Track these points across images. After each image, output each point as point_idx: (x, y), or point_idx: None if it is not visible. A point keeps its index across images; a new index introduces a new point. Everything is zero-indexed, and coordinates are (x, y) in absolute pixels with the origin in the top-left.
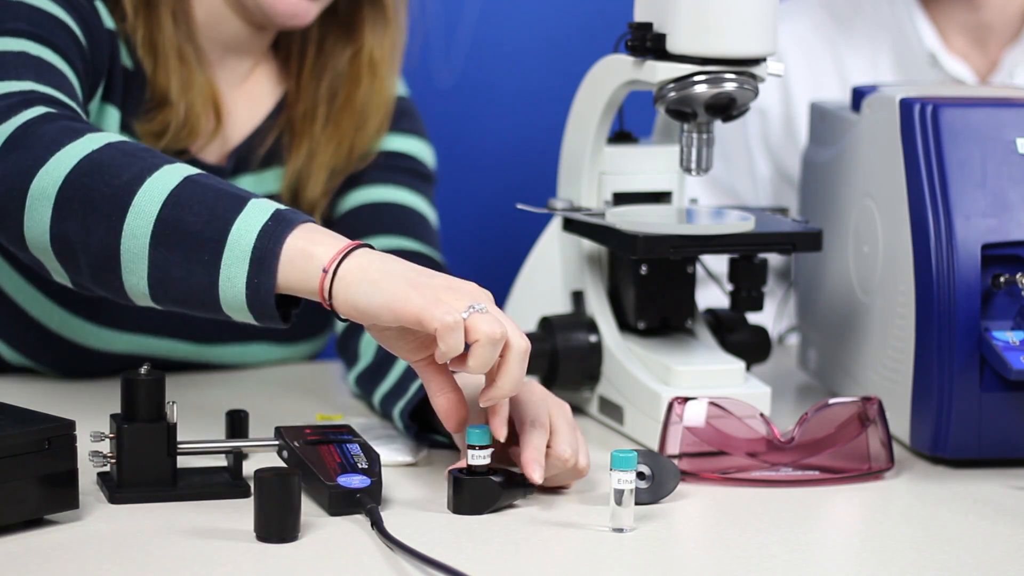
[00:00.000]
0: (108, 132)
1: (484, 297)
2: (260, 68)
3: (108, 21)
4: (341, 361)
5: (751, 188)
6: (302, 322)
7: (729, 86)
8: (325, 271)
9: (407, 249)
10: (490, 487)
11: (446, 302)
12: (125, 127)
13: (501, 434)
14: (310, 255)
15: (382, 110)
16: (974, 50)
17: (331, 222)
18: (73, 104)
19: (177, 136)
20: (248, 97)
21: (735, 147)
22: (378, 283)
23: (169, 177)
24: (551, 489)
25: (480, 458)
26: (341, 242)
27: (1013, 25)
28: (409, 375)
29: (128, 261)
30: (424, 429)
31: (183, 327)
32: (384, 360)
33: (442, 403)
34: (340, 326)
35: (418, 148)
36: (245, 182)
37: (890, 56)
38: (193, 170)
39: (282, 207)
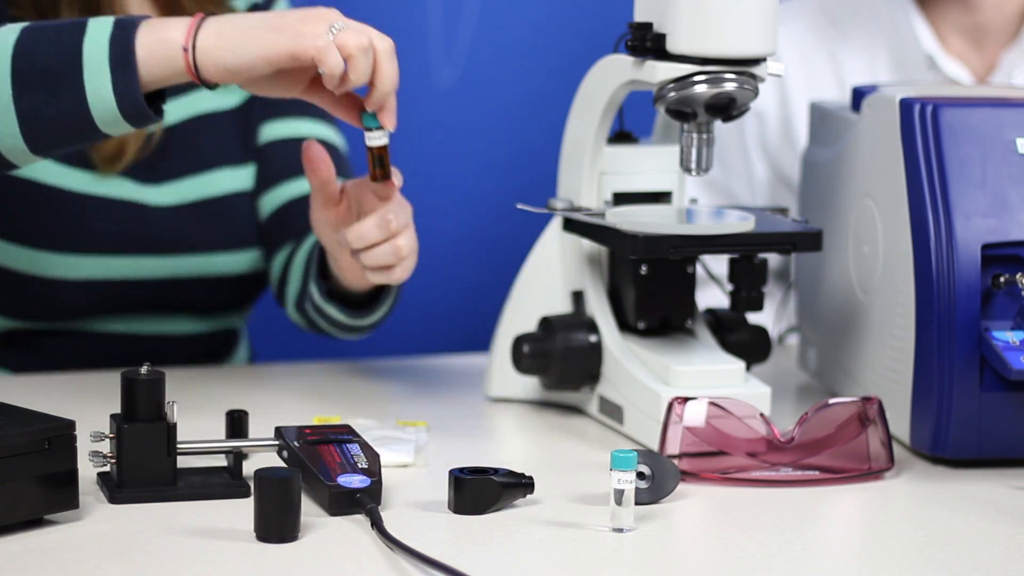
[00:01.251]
0: None
1: (336, 14)
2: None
3: None
4: (278, 302)
5: (748, 191)
6: (253, 226)
7: (729, 86)
8: (185, 49)
9: None
10: (490, 487)
11: (309, 32)
12: None
13: (391, 123)
14: (165, 40)
15: None
16: (971, 51)
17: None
18: None
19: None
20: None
21: (732, 150)
22: (239, 40)
23: (7, 33)
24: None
25: (377, 138)
26: (188, 19)
27: (1010, 26)
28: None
29: None
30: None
31: (144, 240)
32: (306, 280)
33: (344, 115)
34: (274, 270)
35: None
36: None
37: (887, 58)
38: (28, 23)
39: (120, 16)
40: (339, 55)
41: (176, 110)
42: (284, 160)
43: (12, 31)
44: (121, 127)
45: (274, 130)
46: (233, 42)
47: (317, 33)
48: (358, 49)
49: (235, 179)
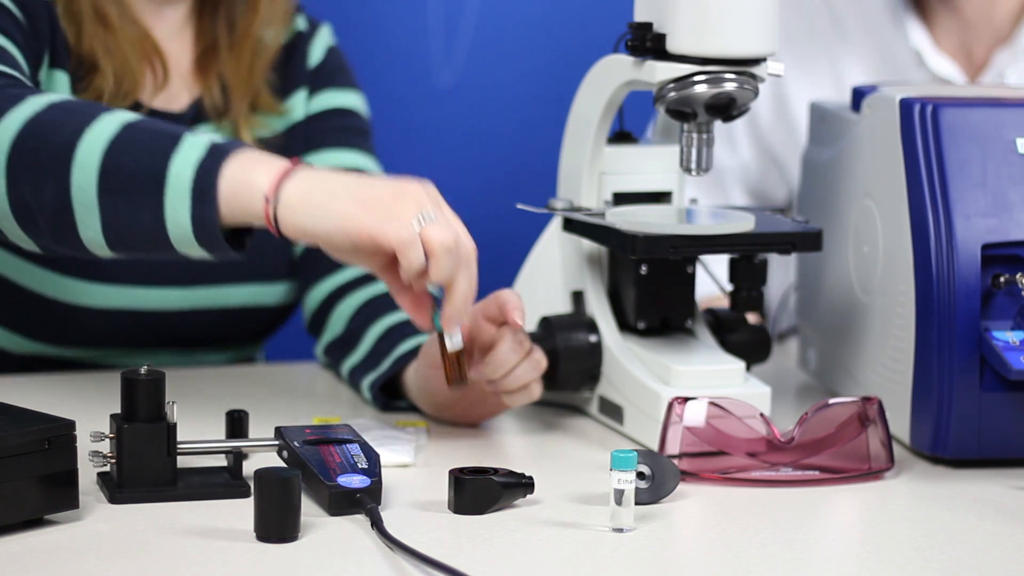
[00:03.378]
0: (51, 93)
1: (429, 197)
2: (194, 12)
3: None
4: (312, 335)
5: (737, 170)
6: (285, 261)
7: (729, 86)
8: (267, 199)
9: None
10: (490, 487)
11: (397, 216)
12: (75, 91)
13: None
14: (250, 184)
15: (280, 21)
16: (962, 51)
17: None
18: (16, 73)
19: (111, 103)
20: (189, 45)
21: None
22: (324, 205)
23: (107, 126)
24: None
25: (456, 343)
26: (279, 166)
27: (1002, 26)
28: (381, 349)
29: (81, 215)
30: (391, 398)
31: (171, 272)
32: (354, 332)
33: (413, 309)
34: (309, 303)
35: (357, 102)
36: (205, 130)
37: (880, 55)
38: (132, 116)
39: (218, 139)
40: (421, 250)
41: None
42: None
43: (112, 123)
44: (198, 252)
45: (315, 162)
46: (316, 206)
47: (403, 222)
48: (442, 247)
49: None
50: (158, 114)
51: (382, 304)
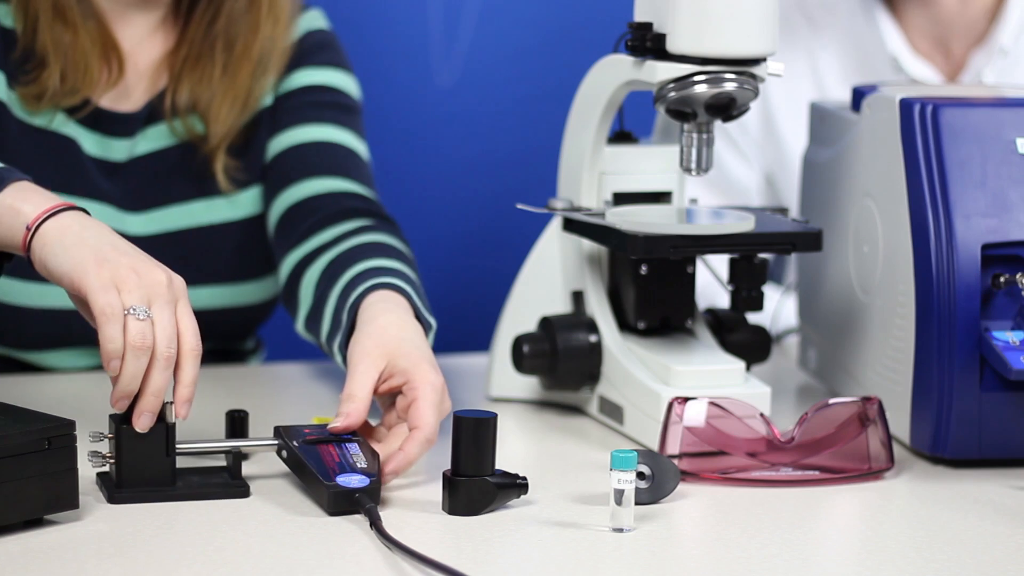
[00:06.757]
0: None
1: (168, 290)
2: (168, 17)
3: None
4: (288, 312)
5: (744, 187)
6: (243, 262)
7: (729, 86)
8: (28, 228)
9: (339, 190)
10: (485, 488)
11: (120, 290)
12: (10, 89)
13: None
14: (17, 211)
15: (282, 57)
16: (938, 52)
17: (264, 168)
18: None
19: (55, 99)
20: (158, 47)
21: (722, 150)
22: (69, 249)
23: None
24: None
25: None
26: (51, 201)
27: (977, 25)
28: (340, 307)
29: None
30: None
31: None
32: (319, 300)
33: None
34: (281, 277)
35: (340, 79)
36: (158, 130)
37: (857, 59)
38: None
39: (4, 168)
40: (120, 331)
41: (160, 138)
42: (285, 167)
43: None
44: None
45: (278, 143)
46: (62, 247)
47: (120, 299)
48: (130, 345)
49: (212, 210)
50: (107, 113)
51: (339, 265)
